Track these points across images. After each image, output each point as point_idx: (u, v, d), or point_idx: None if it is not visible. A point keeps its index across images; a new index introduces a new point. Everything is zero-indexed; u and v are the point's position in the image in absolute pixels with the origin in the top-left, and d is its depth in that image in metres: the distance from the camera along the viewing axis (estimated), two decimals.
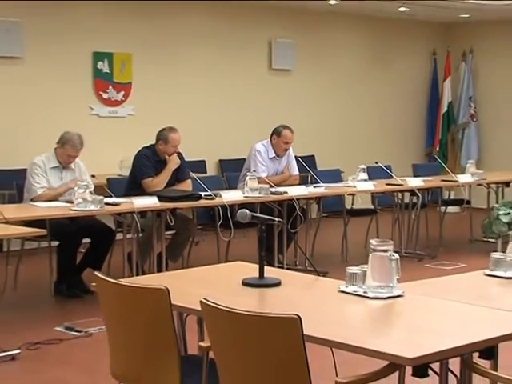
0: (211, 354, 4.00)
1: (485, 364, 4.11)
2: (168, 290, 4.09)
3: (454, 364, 3.94)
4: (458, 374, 3.98)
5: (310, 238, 10.50)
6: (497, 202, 11.33)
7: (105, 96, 12.09)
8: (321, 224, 10.81)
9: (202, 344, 4.15)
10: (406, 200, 11.42)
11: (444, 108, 16.02)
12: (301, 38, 14.07)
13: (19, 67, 11.17)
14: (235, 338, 3.78)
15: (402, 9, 13.82)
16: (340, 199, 10.91)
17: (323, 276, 5.72)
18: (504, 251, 5.33)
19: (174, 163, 9.48)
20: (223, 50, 13.15)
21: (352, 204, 11.12)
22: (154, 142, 9.52)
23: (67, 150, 8.95)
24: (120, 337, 4.41)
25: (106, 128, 11.80)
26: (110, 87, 12.13)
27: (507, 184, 12.45)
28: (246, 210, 5.02)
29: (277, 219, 5.64)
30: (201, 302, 3.84)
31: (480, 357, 4.04)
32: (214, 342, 3.92)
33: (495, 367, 4.22)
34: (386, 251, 4.49)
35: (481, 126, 16.01)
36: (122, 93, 12.23)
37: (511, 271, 5.15)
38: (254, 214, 5.03)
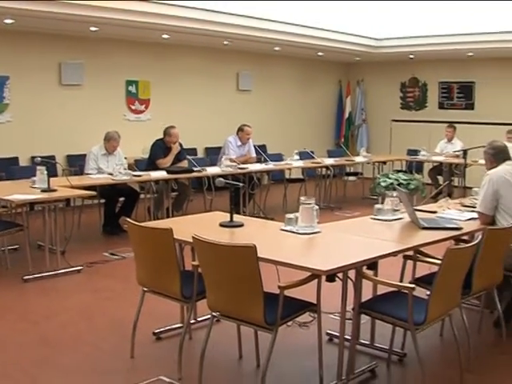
0: (200, 270, 4.01)
1: (370, 273, 4.17)
2: (172, 229, 4.11)
3: (351, 273, 3.98)
4: (354, 280, 4.01)
5: (263, 196, 10.51)
6: (378, 174, 11.39)
7: (133, 107, 11.95)
8: (270, 188, 10.78)
9: (193, 263, 4.16)
10: (324, 172, 11.44)
11: (346, 115, 15.97)
12: (257, 70, 13.98)
13: (80, 91, 11.05)
14: (215, 259, 3.79)
15: (319, 53, 13.82)
16: (282, 172, 10.92)
17: (271, 220, 5.75)
18: (382, 204, 5.38)
19: (175, 149, 9.39)
20: (208, 78, 13.03)
21: (290, 175, 11.11)
22: (162, 136, 9.47)
23: (112, 143, 8.92)
24: (142, 259, 4.41)
25: (134, 128, 11.67)
26: (136, 102, 11.99)
27: (384, 162, 12.64)
28: (222, 179, 5.03)
29: (241, 184, 5.66)
30: (193, 237, 3.85)
31: (367, 268, 4.10)
32: (201, 262, 3.93)
33: (376, 275, 4.27)
34: (310, 204, 4.52)
35: (369, 126, 15.99)
36: (144, 105, 12.09)
37: (387, 216, 5.21)
38: (227, 181, 5.04)
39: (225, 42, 11.91)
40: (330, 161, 11.53)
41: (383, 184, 7.00)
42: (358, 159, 12.19)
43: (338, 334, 4.25)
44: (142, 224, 4.42)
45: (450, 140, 12.41)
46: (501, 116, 13.51)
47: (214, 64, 13.17)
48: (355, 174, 13.61)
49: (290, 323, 4.18)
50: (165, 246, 4.14)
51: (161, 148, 9.40)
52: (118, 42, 11.41)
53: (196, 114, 12.78)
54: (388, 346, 4.54)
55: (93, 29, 10.05)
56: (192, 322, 4.99)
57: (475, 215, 5.24)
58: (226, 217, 4.91)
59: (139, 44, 11.72)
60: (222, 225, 4.77)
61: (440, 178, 12.15)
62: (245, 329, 4.16)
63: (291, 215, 4.65)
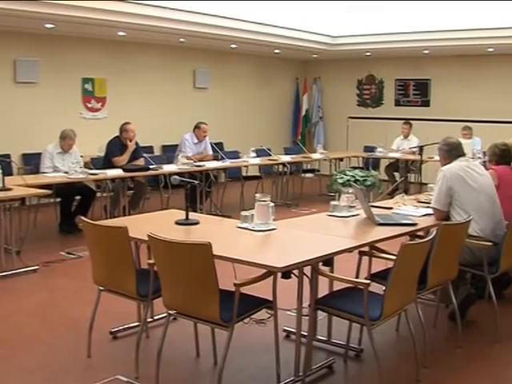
0: (155, 268, 3.99)
1: (326, 269, 4.18)
2: (127, 227, 4.08)
3: (307, 269, 4.00)
4: (310, 276, 4.03)
5: (220, 194, 10.50)
6: (335, 170, 11.43)
7: (89, 105, 11.83)
8: (226, 185, 10.76)
9: (149, 261, 4.14)
10: (280, 169, 11.47)
11: (303, 112, 16.04)
12: (214, 67, 13.96)
13: (35, 88, 10.92)
14: (170, 257, 3.77)
15: (276, 51, 13.86)
16: (239, 169, 10.90)
17: (227, 218, 5.74)
18: (339, 200, 5.41)
19: (132, 147, 9.31)
20: (165, 76, 12.98)
21: (246, 172, 11.08)
22: (118, 134, 9.39)
23: (67, 141, 8.85)
24: (97, 258, 4.37)
25: (90, 126, 11.55)
26: (93, 100, 11.86)
27: (341, 159, 12.69)
28: (177, 176, 5.03)
29: (197, 182, 5.63)
30: (148, 235, 3.83)
31: (323, 265, 4.12)
32: (157, 260, 3.91)
33: (332, 271, 4.29)
34: (265, 201, 4.53)
35: (325, 123, 16.07)
36: (100, 103, 11.97)
37: (343, 213, 5.24)
38: (182, 178, 5.04)
39: (181, 40, 11.87)
40: (286, 158, 11.57)
41: (340, 181, 7.03)
42: (315, 156, 12.25)
43: (294, 331, 4.26)
44: (97, 222, 4.39)
45: (406, 137, 12.55)
46: (456, 113, 13.70)
47: (171, 61, 13.13)
48: (312, 171, 13.66)
49: (246, 320, 4.17)
50: (120, 244, 4.11)
51: (117, 146, 9.31)
52: (74, 39, 11.30)
53: (152, 111, 12.72)
54: (345, 342, 4.57)
55: (48, 26, 9.93)
56: (149, 320, 4.96)
57: (430, 211, 5.30)
58: (181, 215, 4.88)
59: (95, 41, 11.62)
60: (177, 223, 4.75)
61: (396, 175, 12.28)
62: (202, 327, 4.15)
63: (247, 212, 4.64)
